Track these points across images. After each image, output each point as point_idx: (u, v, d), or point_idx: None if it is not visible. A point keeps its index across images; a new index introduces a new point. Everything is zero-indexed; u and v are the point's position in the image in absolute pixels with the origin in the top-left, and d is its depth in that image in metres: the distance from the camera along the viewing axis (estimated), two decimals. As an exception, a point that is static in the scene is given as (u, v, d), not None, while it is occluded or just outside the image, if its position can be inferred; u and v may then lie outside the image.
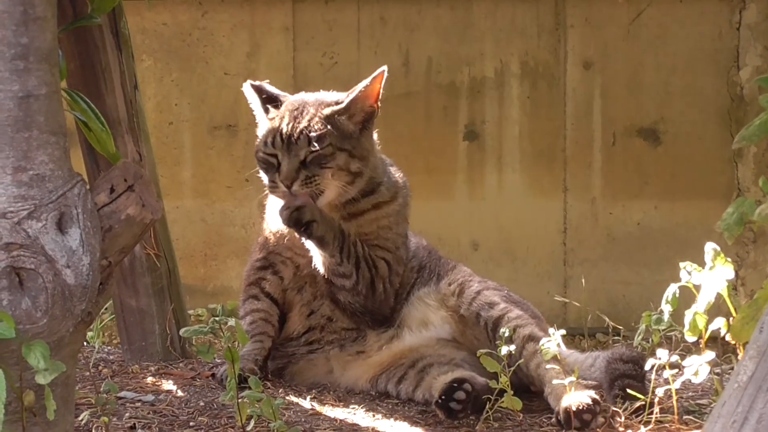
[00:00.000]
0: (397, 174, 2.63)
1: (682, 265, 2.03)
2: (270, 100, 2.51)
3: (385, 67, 2.46)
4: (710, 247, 2.01)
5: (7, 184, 1.48)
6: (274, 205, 2.57)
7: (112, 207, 1.59)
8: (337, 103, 2.46)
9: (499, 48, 4.86)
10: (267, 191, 2.52)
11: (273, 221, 2.57)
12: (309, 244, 2.46)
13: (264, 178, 2.49)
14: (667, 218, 4.74)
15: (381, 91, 2.47)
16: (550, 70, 4.85)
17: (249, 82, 2.54)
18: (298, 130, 2.39)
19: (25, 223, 1.47)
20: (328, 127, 2.39)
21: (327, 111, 2.43)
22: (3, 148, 1.48)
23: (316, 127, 2.39)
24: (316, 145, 2.37)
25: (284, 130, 2.40)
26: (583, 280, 4.45)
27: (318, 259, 2.49)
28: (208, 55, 4.97)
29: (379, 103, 2.49)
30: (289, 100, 2.52)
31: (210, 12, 4.95)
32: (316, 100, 2.48)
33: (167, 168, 4.58)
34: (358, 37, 4.90)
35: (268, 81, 2.57)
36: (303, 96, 2.54)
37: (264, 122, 2.51)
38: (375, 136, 2.56)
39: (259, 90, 2.52)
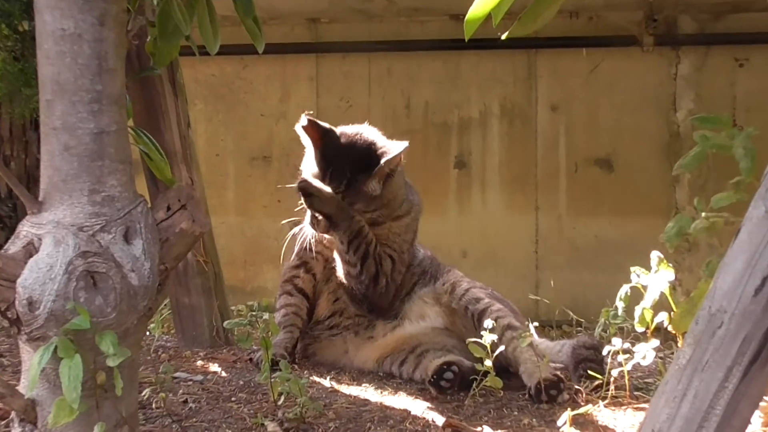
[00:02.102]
0: (414, 195, 2.60)
1: (632, 269, 2.02)
2: (321, 135, 2.40)
3: (406, 144, 2.39)
4: (655, 255, 2.00)
5: (84, 203, 1.47)
6: (308, 217, 2.53)
7: (169, 222, 1.58)
8: (368, 172, 2.36)
9: (482, 94, 4.87)
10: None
11: (308, 229, 2.51)
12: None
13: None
14: (619, 231, 4.73)
15: (402, 158, 2.41)
16: (524, 112, 4.86)
17: (302, 120, 2.37)
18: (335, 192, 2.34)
19: (98, 235, 1.47)
20: (358, 196, 2.36)
21: (360, 178, 2.36)
22: (81, 174, 1.47)
23: (349, 195, 2.35)
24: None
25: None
26: (551, 282, 4.44)
27: (335, 244, 2.45)
28: (248, 100, 4.99)
29: (401, 160, 2.42)
30: (337, 150, 2.39)
31: (250, 65, 4.96)
32: (354, 160, 2.37)
33: (214, 191, 4.59)
34: (368, 86, 4.91)
35: (312, 113, 2.42)
36: (348, 143, 2.40)
37: (311, 160, 2.42)
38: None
39: (309, 128, 2.39)
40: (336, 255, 2.47)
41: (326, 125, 2.42)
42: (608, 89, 4.82)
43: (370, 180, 2.37)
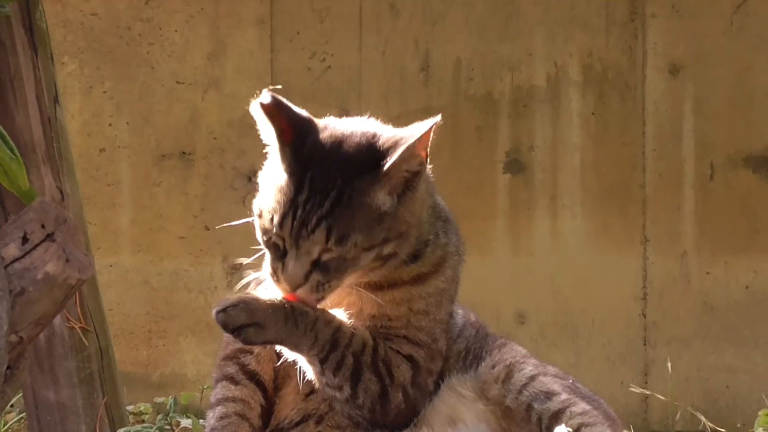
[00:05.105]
0: (451, 235, 2.56)
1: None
2: (292, 123, 2.36)
3: (438, 118, 2.35)
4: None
5: None
6: (267, 261, 2.49)
7: (26, 262, 1.60)
8: (371, 172, 2.30)
9: (553, 46, 4.90)
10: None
11: (270, 280, 2.49)
12: None
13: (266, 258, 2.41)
14: (787, 280, 4.75)
15: (431, 139, 2.36)
16: (623, 77, 4.89)
17: (263, 96, 2.31)
18: (315, 217, 2.26)
19: None
20: (355, 221, 2.29)
21: (359, 186, 2.30)
22: None
23: (339, 221, 2.27)
24: (335, 247, 2.31)
25: (298, 211, 2.28)
26: (669, 366, 4.46)
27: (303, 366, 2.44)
28: (155, 57, 5.02)
29: (427, 151, 2.38)
30: (318, 145, 2.36)
31: (157, -2, 5.00)
32: (346, 159, 2.33)
33: (99, 211, 4.60)
34: (359, 33, 4.95)
35: (279, 87, 2.37)
36: (335, 136, 2.37)
37: (278, 171, 2.36)
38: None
39: (274, 111, 2.33)
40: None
41: (303, 112, 2.40)
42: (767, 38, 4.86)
43: (378, 186, 2.35)
